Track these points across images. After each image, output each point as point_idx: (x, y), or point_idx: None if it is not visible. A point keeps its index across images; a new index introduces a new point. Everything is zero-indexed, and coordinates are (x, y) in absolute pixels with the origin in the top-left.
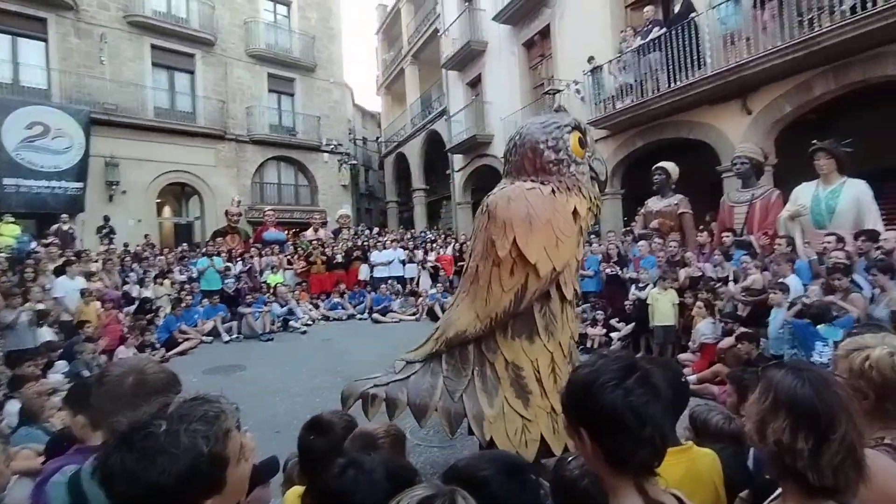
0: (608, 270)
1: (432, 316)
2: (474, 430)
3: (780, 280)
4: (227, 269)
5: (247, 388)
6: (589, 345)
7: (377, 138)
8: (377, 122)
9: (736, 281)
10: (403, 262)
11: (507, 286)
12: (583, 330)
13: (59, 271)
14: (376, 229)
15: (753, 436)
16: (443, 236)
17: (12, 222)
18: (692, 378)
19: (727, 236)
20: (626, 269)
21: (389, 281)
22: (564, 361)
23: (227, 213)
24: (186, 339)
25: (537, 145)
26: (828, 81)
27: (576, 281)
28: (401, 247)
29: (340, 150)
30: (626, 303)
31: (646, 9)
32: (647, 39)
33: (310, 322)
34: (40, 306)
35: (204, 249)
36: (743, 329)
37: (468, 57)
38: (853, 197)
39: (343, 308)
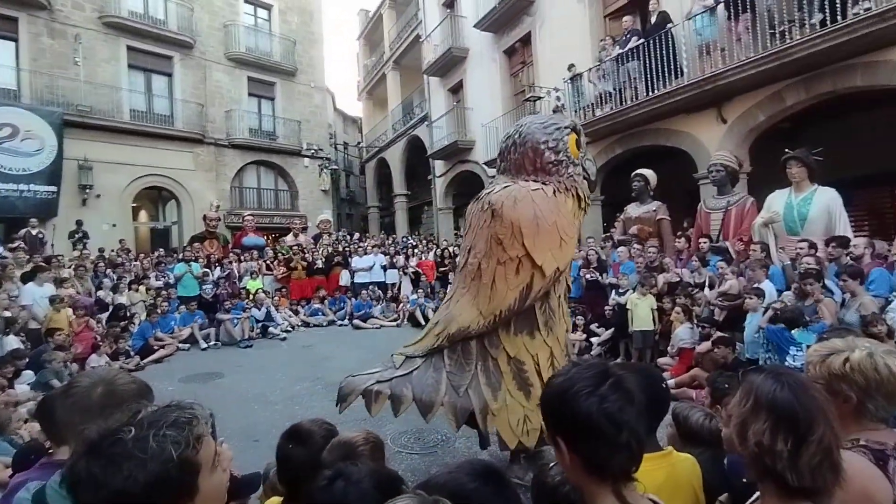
0: (588, 276)
1: (414, 322)
2: (479, 423)
3: (755, 285)
4: (206, 274)
5: (225, 396)
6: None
7: (358, 143)
8: (358, 126)
9: (712, 286)
10: (384, 268)
11: (512, 285)
12: None
13: (27, 277)
14: (357, 235)
15: (734, 438)
16: (424, 242)
17: None
18: (670, 382)
19: (704, 242)
20: (605, 275)
21: (370, 287)
22: (562, 354)
23: (205, 217)
24: (162, 347)
25: (538, 145)
26: (799, 92)
27: (569, 277)
28: (382, 252)
29: (321, 155)
30: (606, 308)
31: (624, 18)
32: (626, 48)
33: (289, 328)
34: (6, 314)
35: (181, 255)
36: (720, 334)
37: (450, 63)
38: (824, 204)
39: (323, 314)
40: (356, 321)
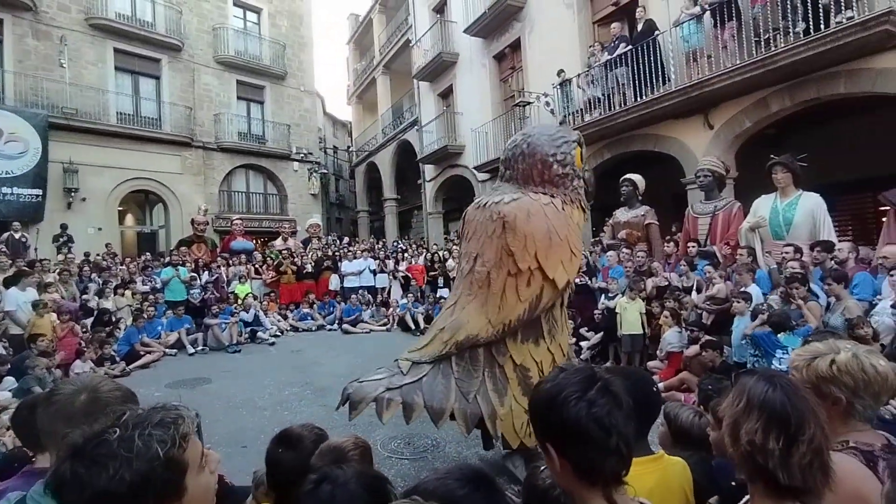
0: (577, 280)
1: (404, 326)
2: (489, 427)
3: (743, 289)
4: (193, 279)
5: (212, 401)
6: None
7: (348, 147)
8: (348, 131)
9: (699, 290)
10: (374, 272)
11: (523, 296)
12: None
13: (9, 282)
14: (347, 239)
15: (726, 438)
16: (414, 246)
17: None
18: (659, 386)
19: (692, 246)
20: (595, 279)
21: (360, 291)
22: (564, 360)
23: (193, 221)
24: (149, 352)
25: (547, 158)
26: (783, 99)
27: (571, 287)
28: (372, 256)
29: (310, 159)
30: (596, 312)
31: (612, 25)
32: (614, 55)
33: (278, 333)
34: None
35: (168, 259)
36: (708, 337)
37: (440, 68)
38: (809, 209)
39: (312, 319)
40: (346, 326)
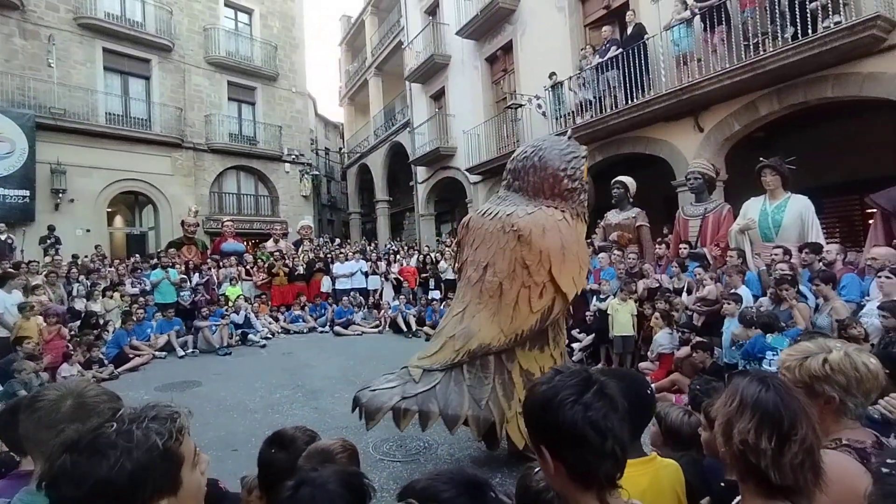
0: None
1: (395, 328)
2: (498, 431)
3: (732, 291)
4: (184, 281)
5: (203, 404)
6: None
7: (340, 149)
8: (340, 132)
9: (690, 292)
10: (366, 274)
11: (535, 307)
12: None
13: None
14: (338, 240)
15: (719, 437)
16: (406, 248)
17: None
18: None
19: (683, 248)
20: (586, 281)
21: (352, 293)
22: (563, 360)
23: (183, 223)
24: (138, 355)
25: (558, 172)
26: (772, 102)
27: None
28: (363, 258)
29: (302, 161)
30: (587, 314)
31: (603, 28)
32: (606, 58)
33: (269, 335)
34: None
35: (155, 261)
36: (698, 339)
37: (432, 70)
38: (797, 212)
39: (304, 321)
40: (337, 328)
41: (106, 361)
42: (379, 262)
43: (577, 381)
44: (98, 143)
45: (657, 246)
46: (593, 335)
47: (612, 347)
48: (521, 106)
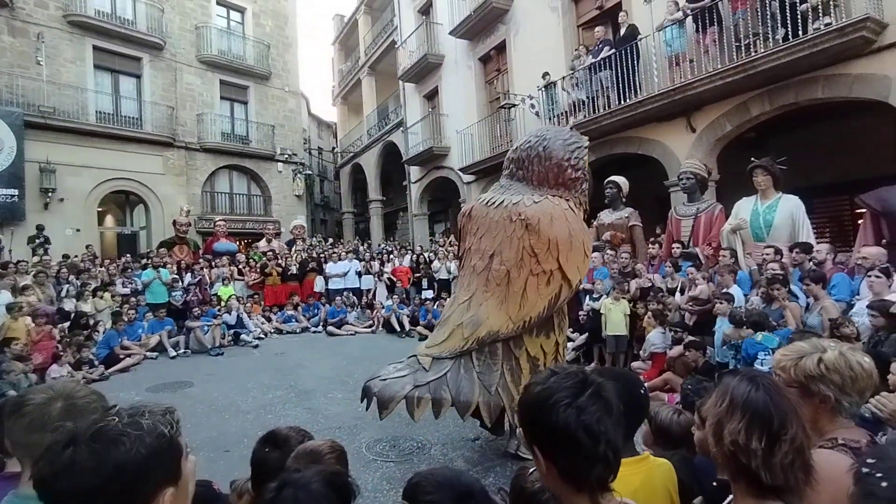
0: None
1: (388, 328)
2: (508, 417)
3: (725, 290)
4: (175, 281)
5: (194, 405)
6: None
7: (333, 148)
8: (333, 132)
9: (683, 291)
10: (359, 274)
11: (543, 294)
12: None
13: None
14: (331, 240)
15: (710, 438)
16: (399, 248)
17: None
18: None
19: (676, 248)
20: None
21: (345, 293)
22: (564, 346)
23: (175, 222)
24: (129, 356)
25: (562, 162)
26: (763, 103)
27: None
28: (357, 258)
29: (295, 160)
30: (580, 313)
31: (596, 29)
32: (599, 58)
33: (262, 335)
34: None
35: (146, 261)
36: (691, 338)
37: (425, 70)
38: (788, 211)
39: (297, 321)
40: (330, 328)
41: (96, 362)
42: (372, 262)
43: (572, 382)
44: (88, 142)
45: (650, 246)
46: (586, 334)
47: (604, 347)
48: (514, 106)
